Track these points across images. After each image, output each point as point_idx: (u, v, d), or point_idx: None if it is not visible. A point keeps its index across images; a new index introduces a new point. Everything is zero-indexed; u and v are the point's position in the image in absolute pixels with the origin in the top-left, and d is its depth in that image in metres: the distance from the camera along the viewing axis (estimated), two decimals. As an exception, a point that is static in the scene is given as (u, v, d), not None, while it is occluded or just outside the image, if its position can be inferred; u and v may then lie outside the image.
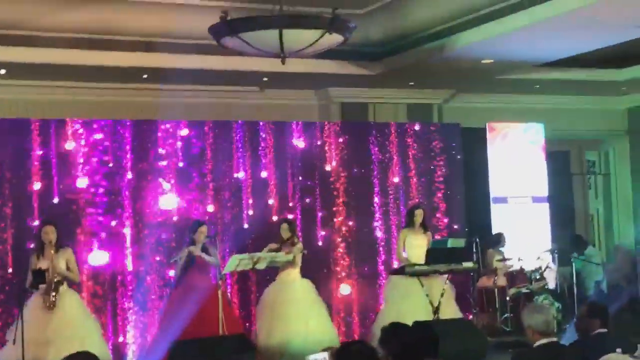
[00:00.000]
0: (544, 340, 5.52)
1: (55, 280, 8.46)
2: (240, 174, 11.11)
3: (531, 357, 5.57)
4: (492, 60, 11.60)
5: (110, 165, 10.44)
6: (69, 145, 10.29)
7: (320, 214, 11.50)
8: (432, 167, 12.23)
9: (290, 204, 11.29)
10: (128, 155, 10.56)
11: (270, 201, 11.20)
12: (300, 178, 11.44)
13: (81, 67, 10.80)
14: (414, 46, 11.49)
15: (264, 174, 11.21)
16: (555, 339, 5.62)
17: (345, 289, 11.36)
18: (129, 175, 10.53)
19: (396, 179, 11.95)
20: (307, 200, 11.44)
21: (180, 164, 10.82)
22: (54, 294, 8.44)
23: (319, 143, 11.63)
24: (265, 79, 12.23)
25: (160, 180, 10.59)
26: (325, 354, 5.57)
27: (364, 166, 11.86)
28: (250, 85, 12.67)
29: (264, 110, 12.55)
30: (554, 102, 14.09)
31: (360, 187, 11.76)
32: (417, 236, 10.34)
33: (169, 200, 10.70)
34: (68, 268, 8.73)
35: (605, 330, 6.18)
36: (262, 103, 12.89)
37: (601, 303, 6.94)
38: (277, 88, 12.83)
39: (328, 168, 11.61)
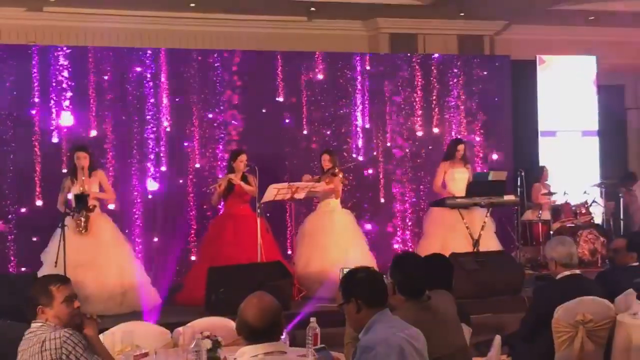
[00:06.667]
0: (566, 272, 5.54)
1: (87, 206, 8.62)
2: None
3: (553, 289, 5.59)
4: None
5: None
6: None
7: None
8: (480, 99, 12.16)
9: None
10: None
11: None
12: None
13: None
14: (465, -27, 11.33)
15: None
16: (578, 271, 5.63)
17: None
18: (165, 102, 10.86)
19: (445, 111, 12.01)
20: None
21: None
22: (84, 219, 8.55)
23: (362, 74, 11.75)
24: (313, 8, 12.16)
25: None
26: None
27: (412, 96, 11.88)
28: (298, 15, 12.60)
29: (312, 41, 12.50)
30: (608, 35, 13.74)
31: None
32: (458, 169, 10.28)
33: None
34: (102, 190, 8.90)
35: (637, 264, 6.18)
36: (309, 34, 12.82)
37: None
38: (325, 18, 12.74)
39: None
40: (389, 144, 11.80)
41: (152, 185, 10.73)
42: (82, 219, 8.50)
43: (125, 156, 10.67)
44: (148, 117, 10.76)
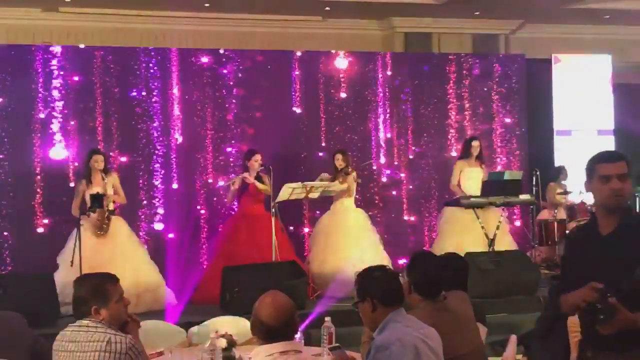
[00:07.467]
0: (582, 272, 5.50)
1: (108, 209, 8.70)
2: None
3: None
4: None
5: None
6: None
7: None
8: (495, 99, 12.15)
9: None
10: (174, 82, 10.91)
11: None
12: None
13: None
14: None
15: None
16: (593, 271, 5.58)
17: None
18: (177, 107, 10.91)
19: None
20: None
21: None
22: (106, 221, 8.68)
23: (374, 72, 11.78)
24: (327, 8, 12.16)
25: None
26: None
27: (427, 96, 11.88)
28: (312, 15, 12.59)
29: (326, 41, 12.49)
30: (624, 33, 13.68)
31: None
32: (473, 168, 10.27)
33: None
34: (114, 192, 8.98)
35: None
36: (324, 33, 12.81)
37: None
38: (339, 17, 12.73)
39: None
40: (412, 153, 11.82)
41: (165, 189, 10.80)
42: (107, 221, 8.59)
43: (132, 158, 10.74)
44: (153, 108, 10.82)
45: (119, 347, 3.71)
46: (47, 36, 11.33)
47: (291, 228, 10.71)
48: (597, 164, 3.63)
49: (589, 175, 3.67)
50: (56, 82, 10.42)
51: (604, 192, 3.60)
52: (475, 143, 10.30)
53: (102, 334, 3.75)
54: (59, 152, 10.40)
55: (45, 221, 10.26)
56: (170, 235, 10.63)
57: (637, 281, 3.37)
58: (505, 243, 10.01)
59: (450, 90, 12.00)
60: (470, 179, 10.19)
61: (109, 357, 3.69)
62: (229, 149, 11.00)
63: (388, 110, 11.73)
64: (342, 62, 11.57)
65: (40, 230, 10.27)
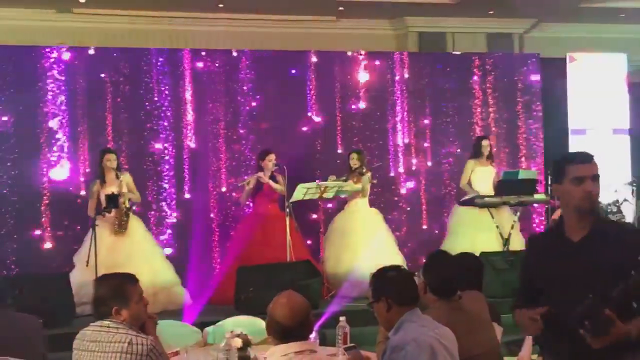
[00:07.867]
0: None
1: (125, 206, 8.73)
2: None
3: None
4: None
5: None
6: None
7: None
8: (509, 98, 12.12)
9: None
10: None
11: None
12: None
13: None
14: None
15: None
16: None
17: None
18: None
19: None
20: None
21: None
22: (125, 219, 8.72)
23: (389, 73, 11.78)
24: (341, 8, 12.15)
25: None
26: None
27: (442, 97, 11.85)
28: (326, 15, 12.58)
29: (340, 41, 12.48)
30: (639, 32, 13.61)
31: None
32: (483, 167, 10.26)
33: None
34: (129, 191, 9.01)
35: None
36: (338, 33, 12.80)
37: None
38: (353, 17, 12.72)
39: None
40: (430, 154, 11.81)
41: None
42: (125, 218, 8.62)
43: (143, 159, 10.75)
44: (165, 109, 10.85)
45: (140, 349, 3.70)
46: (60, 37, 11.35)
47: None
48: (569, 165, 3.53)
49: (559, 177, 3.56)
50: (67, 83, 10.44)
51: (577, 194, 3.49)
52: (485, 142, 10.29)
53: (123, 335, 3.74)
54: (68, 154, 10.41)
55: (53, 227, 10.28)
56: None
57: (631, 288, 3.24)
58: (519, 242, 9.98)
59: (467, 90, 11.97)
60: (481, 178, 10.18)
61: (130, 358, 3.68)
62: (242, 150, 11.00)
63: (406, 110, 11.71)
64: (358, 62, 11.57)
65: (47, 235, 10.27)
